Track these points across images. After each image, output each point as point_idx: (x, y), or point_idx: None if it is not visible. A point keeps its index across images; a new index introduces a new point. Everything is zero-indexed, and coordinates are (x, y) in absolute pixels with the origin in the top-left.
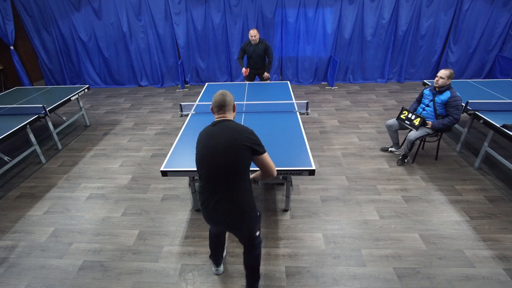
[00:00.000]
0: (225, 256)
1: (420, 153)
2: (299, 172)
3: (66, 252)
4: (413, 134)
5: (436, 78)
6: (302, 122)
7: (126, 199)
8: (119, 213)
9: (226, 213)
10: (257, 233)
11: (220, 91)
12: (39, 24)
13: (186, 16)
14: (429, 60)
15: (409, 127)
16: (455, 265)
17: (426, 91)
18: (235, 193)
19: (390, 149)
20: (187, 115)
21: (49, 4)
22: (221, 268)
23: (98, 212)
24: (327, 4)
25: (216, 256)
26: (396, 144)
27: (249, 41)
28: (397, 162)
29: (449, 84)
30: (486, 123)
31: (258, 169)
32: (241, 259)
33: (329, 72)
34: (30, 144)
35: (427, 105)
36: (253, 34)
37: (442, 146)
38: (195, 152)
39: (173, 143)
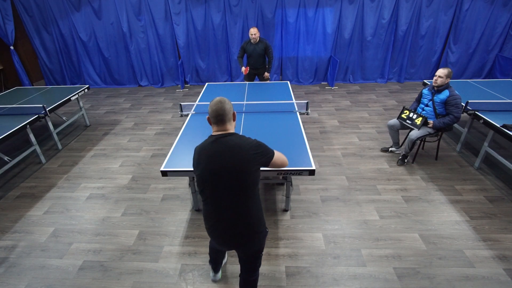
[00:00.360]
0: (225, 263)
1: (420, 153)
2: (299, 172)
3: (66, 252)
4: (415, 133)
5: (435, 78)
6: (302, 122)
7: (126, 199)
8: (119, 213)
9: (238, 236)
10: (263, 251)
11: (217, 98)
12: (39, 24)
13: (186, 16)
14: (429, 60)
15: (411, 126)
16: (455, 265)
17: (425, 91)
18: (245, 216)
19: (390, 149)
20: (187, 115)
21: (49, 4)
22: (219, 274)
23: (98, 212)
24: (327, 4)
25: (216, 264)
26: (396, 144)
27: (249, 40)
28: (397, 162)
29: (448, 83)
30: (486, 123)
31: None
32: None
33: (329, 72)
34: (30, 144)
35: (426, 105)
36: (253, 32)
37: (442, 146)
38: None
39: (173, 143)
